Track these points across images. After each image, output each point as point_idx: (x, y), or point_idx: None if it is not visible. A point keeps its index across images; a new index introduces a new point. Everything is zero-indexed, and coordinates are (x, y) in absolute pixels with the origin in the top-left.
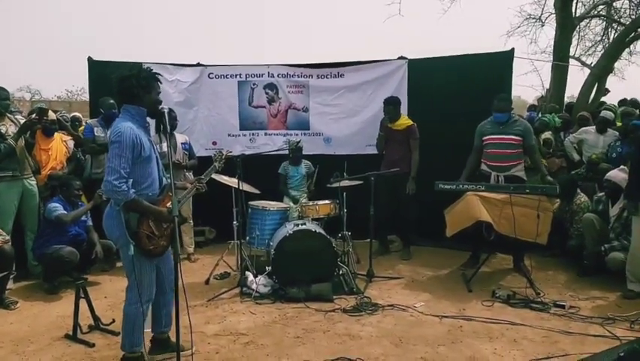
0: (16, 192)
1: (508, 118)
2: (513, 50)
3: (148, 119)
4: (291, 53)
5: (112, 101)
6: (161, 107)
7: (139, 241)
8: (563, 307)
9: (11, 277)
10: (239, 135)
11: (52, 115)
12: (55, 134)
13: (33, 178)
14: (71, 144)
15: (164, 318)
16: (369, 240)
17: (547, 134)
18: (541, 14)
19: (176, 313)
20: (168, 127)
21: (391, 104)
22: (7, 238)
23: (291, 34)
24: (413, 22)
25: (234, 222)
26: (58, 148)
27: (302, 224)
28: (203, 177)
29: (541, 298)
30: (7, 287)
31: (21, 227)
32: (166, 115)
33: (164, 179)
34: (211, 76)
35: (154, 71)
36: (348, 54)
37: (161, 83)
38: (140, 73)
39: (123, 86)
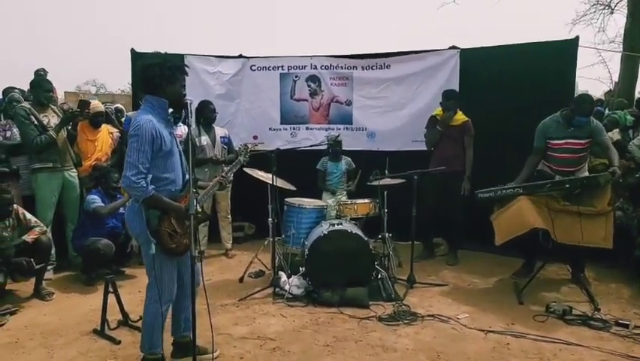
0: (56, 184)
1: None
2: (577, 38)
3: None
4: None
5: None
6: (185, 98)
7: (160, 239)
8: (626, 326)
9: (51, 267)
10: (280, 129)
11: (99, 107)
12: (103, 125)
13: (74, 170)
14: (117, 136)
15: (184, 322)
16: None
17: (616, 133)
18: (611, 0)
19: (192, 315)
20: (190, 119)
21: (452, 98)
22: (45, 229)
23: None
24: (464, 9)
25: (269, 220)
26: (104, 139)
27: (338, 224)
28: (227, 170)
29: (601, 315)
30: (47, 277)
31: (63, 218)
32: (189, 106)
33: (187, 174)
34: (253, 68)
35: (192, 62)
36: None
37: (187, 75)
38: (165, 62)
39: (146, 74)
